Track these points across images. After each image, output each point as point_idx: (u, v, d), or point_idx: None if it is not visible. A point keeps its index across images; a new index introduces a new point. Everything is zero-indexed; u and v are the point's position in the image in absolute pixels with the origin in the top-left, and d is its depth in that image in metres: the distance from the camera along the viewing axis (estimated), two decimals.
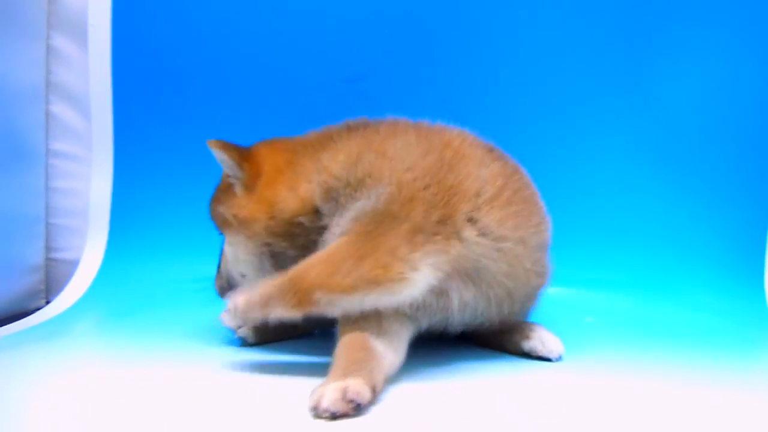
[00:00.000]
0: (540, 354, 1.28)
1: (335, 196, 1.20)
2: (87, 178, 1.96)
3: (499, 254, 1.16)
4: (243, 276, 1.35)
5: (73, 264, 1.90)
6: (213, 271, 1.94)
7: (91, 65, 1.91)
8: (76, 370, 1.18)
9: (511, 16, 2.05)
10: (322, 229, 1.21)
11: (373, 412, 0.96)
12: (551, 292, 1.36)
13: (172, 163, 1.98)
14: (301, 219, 1.23)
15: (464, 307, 1.18)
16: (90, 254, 1.91)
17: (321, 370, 1.04)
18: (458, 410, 1.00)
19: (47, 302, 1.88)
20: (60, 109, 1.93)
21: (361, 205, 1.14)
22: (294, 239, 1.25)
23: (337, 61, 2.01)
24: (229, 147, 1.29)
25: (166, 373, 1.15)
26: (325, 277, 1.05)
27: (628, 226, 2.06)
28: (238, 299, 1.08)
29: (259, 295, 1.07)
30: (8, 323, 1.61)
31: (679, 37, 2.05)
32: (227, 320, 1.23)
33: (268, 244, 1.27)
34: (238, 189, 1.31)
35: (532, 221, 1.24)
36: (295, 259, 1.14)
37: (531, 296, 1.30)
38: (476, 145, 1.26)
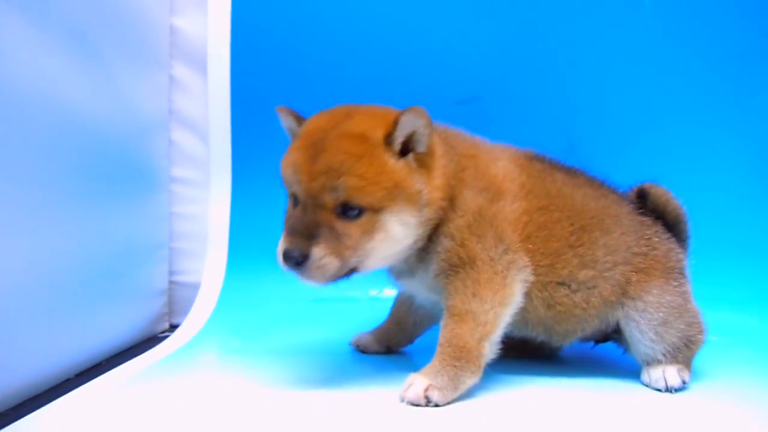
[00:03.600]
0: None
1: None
2: (206, 203, 2.01)
3: None
4: (386, 258, 1.23)
5: (194, 287, 1.95)
6: (327, 292, 1.99)
7: (210, 93, 1.96)
8: (219, 402, 1.20)
9: (620, 34, 2.05)
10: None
11: None
12: None
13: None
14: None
15: None
16: (210, 277, 1.96)
17: None
18: None
19: (171, 325, 1.93)
20: (181, 136, 1.98)
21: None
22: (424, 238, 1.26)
23: (450, 82, 2.01)
24: (430, 119, 1.19)
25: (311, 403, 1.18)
26: (476, 329, 1.22)
27: (751, 243, 2.02)
28: (426, 393, 1.18)
29: (446, 379, 1.19)
30: (137, 348, 1.67)
31: None
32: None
33: (420, 236, 1.24)
34: (412, 163, 1.21)
35: None
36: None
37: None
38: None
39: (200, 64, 1.96)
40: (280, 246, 1.17)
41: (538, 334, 1.38)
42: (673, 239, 1.42)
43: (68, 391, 1.26)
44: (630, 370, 1.39)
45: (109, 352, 1.58)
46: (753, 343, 1.74)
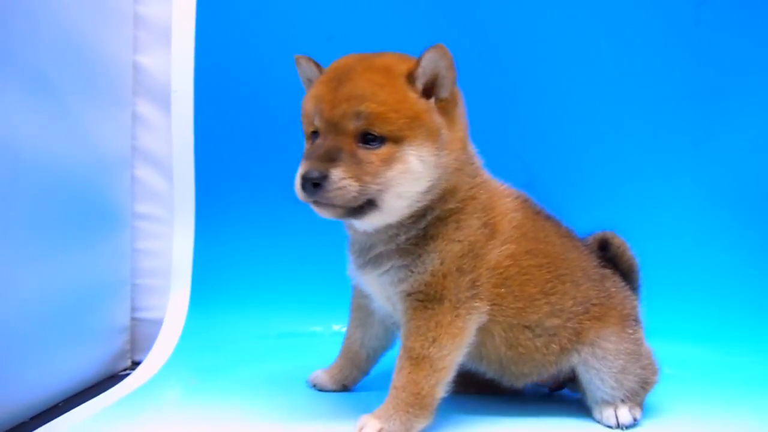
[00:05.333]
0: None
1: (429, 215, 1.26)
2: (169, 239, 2.00)
3: None
4: (400, 197, 1.20)
5: (157, 323, 1.94)
6: (291, 327, 1.99)
7: (174, 130, 1.97)
8: None
9: (579, 72, 2.07)
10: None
11: None
12: None
13: (251, 224, 2.03)
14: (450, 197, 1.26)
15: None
16: (173, 313, 1.95)
17: None
18: None
19: (133, 362, 1.92)
20: (144, 173, 1.98)
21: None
22: (434, 201, 1.25)
23: None
24: (454, 61, 1.20)
25: None
26: (432, 375, 1.23)
27: (706, 276, 2.04)
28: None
29: (398, 424, 1.21)
30: (97, 387, 1.66)
31: (752, 83, 2.04)
32: None
33: (435, 186, 1.23)
34: (433, 105, 1.21)
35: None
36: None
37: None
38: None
39: (164, 101, 1.96)
40: (299, 172, 1.17)
41: (490, 371, 1.39)
42: (627, 287, 1.45)
43: None
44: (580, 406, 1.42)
45: (67, 392, 1.57)
46: (707, 376, 1.77)
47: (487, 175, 1.36)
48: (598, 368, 1.35)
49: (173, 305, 1.96)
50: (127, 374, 1.71)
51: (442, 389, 1.25)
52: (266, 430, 1.30)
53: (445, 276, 1.25)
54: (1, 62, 1.32)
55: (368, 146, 1.17)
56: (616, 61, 2.06)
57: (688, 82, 2.06)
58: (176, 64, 1.96)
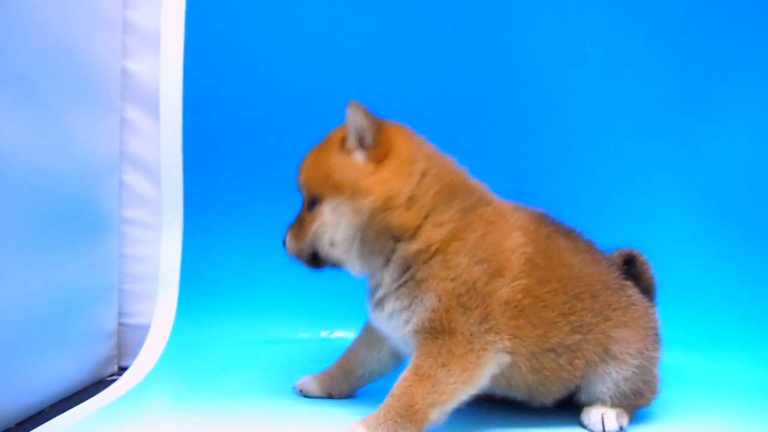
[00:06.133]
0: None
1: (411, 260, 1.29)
2: (157, 244, 2.00)
3: None
4: (332, 245, 1.33)
5: (144, 329, 1.94)
6: (278, 333, 1.99)
7: (162, 135, 1.96)
8: None
9: (566, 77, 2.08)
10: (387, 261, 1.31)
11: None
12: None
13: (239, 230, 2.03)
14: (396, 231, 1.29)
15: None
16: (160, 319, 1.95)
17: None
18: None
19: (120, 368, 1.91)
20: (132, 178, 1.98)
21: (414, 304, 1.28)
22: (384, 241, 1.30)
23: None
24: (368, 112, 1.28)
25: None
26: (431, 395, 1.21)
27: (693, 283, 2.04)
28: None
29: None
30: (83, 393, 1.65)
31: (737, 90, 2.06)
32: None
33: (363, 230, 1.29)
34: (360, 156, 1.29)
35: None
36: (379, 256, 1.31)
37: None
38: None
39: (152, 107, 1.96)
40: None
41: (518, 396, 1.40)
42: (649, 302, 1.47)
43: None
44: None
45: (53, 397, 1.56)
46: (694, 383, 1.77)
47: (500, 213, 1.35)
48: (610, 373, 1.36)
49: (160, 311, 1.95)
50: (114, 380, 1.71)
51: (437, 414, 1.22)
52: None
53: (447, 311, 1.25)
54: None
55: (310, 210, 1.34)
56: (603, 68, 2.07)
57: (674, 89, 2.07)
58: (165, 69, 1.95)
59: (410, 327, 1.28)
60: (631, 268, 1.48)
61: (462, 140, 2.02)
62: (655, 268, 1.52)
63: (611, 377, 1.36)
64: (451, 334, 1.24)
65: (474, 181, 1.39)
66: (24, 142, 1.44)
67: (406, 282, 1.29)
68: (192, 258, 2.01)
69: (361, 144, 1.29)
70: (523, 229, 1.35)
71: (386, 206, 1.27)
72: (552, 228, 1.41)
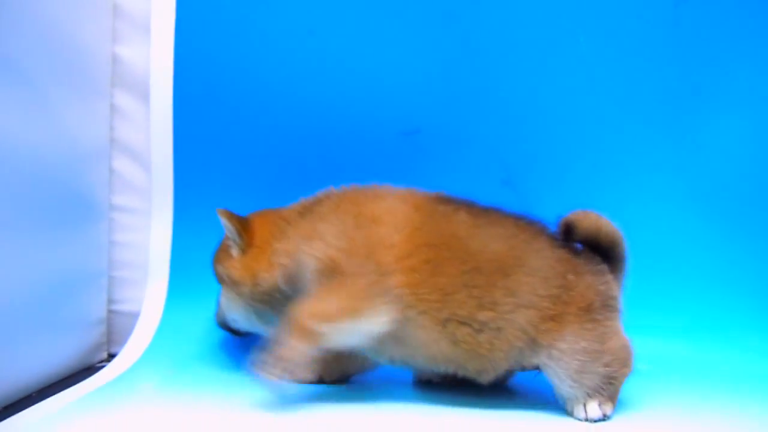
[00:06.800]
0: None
1: (294, 280, 1.45)
2: (146, 231, 1.99)
3: None
4: (235, 321, 1.61)
5: (134, 316, 1.93)
6: None
7: (152, 121, 1.95)
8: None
9: (557, 68, 2.08)
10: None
11: None
12: None
13: None
14: (277, 293, 1.48)
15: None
16: (150, 306, 1.94)
17: None
18: None
19: (109, 354, 1.91)
20: (122, 164, 1.97)
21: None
22: (274, 304, 1.49)
23: (387, 116, 2.04)
24: (232, 216, 1.51)
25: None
26: (317, 309, 1.33)
27: (681, 271, 2.06)
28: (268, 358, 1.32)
29: (278, 345, 1.32)
30: (73, 378, 1.65)
31: (730, 83, 2.06)
32: (270, 374, 1.33)
33: (251, 305, 1.52)
34: (235, 252, 1.53)
35: None
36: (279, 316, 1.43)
37: None
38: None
39: (143, 93, 1.95)
40: None
41: (452, 370, 1.41)
42: (599, 268, 1.40)
43: None
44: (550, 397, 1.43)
45: (42, 383, 1.56)
46: (681, 371, 1.79)
47: (338, 192, 1.51)
48: (554, 368, 1.34)
49: (150, 298, 1.95)
50: (103, 366, 1.71)
51: (324, 327, 1.32)
52: (243, 421, 1.30)
53: (332, 261, 1.37)
54: None
55: None
56: (595, 59, 2.07)
57: (668, 80, 2.07)
58: (155, 55, 1.94)
59: (308, 279, 1.40)
60: (575, 234, 1.40)
61: (453, 131, 2.06)
62: (623, 228, 1.44)
63: (563, 372, 1.34)
64: (341, 273, 1.34)
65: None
66: (12, 128, 1.43)
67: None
68: (182, 245, 2.00)
69: (234, 241, 1.53)
70: (401, 199, 1.43)
71: (255, 283, 1.49)
72: (453, 206, 1.42)
